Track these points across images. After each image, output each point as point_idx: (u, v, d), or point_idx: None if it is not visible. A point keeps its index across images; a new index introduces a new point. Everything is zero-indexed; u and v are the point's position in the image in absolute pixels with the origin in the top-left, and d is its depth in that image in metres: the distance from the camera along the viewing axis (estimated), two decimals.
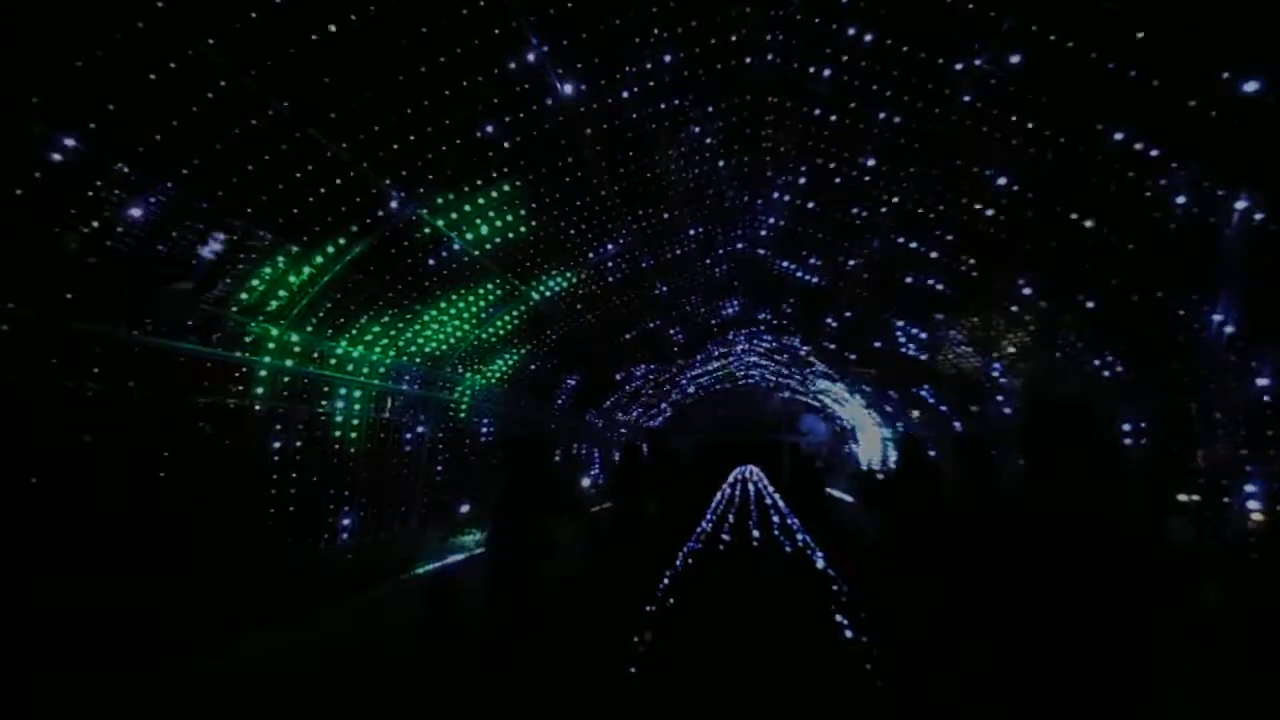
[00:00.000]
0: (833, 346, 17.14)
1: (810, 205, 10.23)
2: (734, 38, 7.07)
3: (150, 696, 4.07)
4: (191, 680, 4.37)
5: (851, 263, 11.45)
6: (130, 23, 4.44)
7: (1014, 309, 9.80)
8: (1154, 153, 5.85)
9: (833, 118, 7.97)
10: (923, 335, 12.75)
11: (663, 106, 7.77)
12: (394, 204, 7.28)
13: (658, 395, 25.11)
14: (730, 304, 16.42)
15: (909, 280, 10.80)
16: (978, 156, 7.26)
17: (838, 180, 9.20)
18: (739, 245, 12.37)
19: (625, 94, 7.33)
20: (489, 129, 7.08)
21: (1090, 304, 8.16)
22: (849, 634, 7.70)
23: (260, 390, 7.33)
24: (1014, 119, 6.53)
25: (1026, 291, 9.16)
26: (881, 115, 7.50)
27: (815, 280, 13.00)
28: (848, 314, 14.15)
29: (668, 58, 6.99)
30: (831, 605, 8.94)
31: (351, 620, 6.18)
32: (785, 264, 12.86)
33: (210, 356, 6.69)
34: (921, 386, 15.41)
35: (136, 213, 5.41)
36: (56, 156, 4.74)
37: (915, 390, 15.92)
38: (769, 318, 17.58)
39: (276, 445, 7.67)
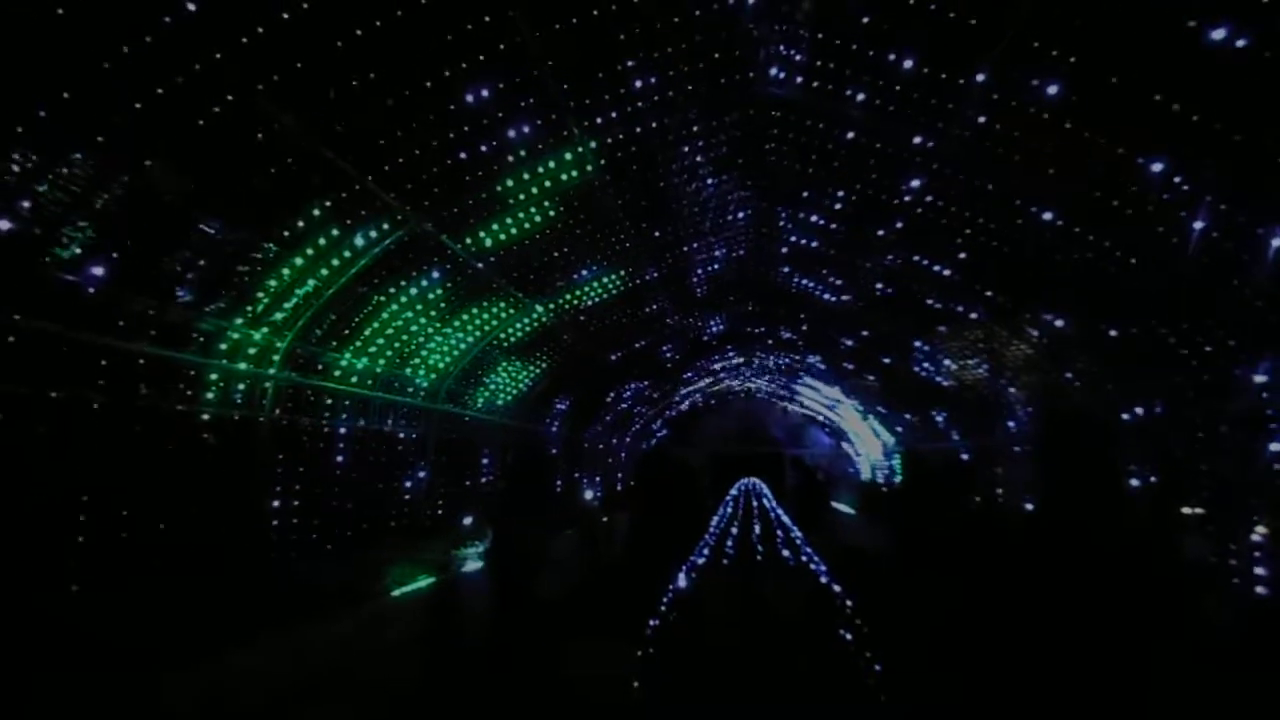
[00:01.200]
0: (850, 366, 17.13)
1: (821, 221, 10.19)
2: (738, 53, 7.09)
3: (158, 696, 4.06)
4: (199, 681, 4.36)
5: (872, 284, 11.43)
6: (138, 37, 4.47)
7: (1035, 334, 9.74)
8: (1175, 177, 5.85)
9: (829, 130, 7.97)
10: (943, 360, 12.71)
11: (667, 121, 7.79)
12: (399, 217, 7.31)
13: (660, 409, 25.07)
14: (736, 319, 16.39)
15: (931, 303, 10.79)
16: (1012, 183, 7.21)
17: (852, 197, 9.16)
18: (741, 257, 12.37)
19: (630, 108, 7.34)
20: (493, 143, 7.11)
21: (1114, 332, 8.14)
22: (854, 651, 7.63)
23: (265, 403, 7.34)
24: (1050, 149, 6.48)
25: (1049, 317, 9.12)
26: (913, 139, 7.43)
27: (826, 297, 12.95)
28: (864, 333, 14.12)
29: (672, 72, 7.01)
30: (836, 620, 8.86)
31: (355, 630, 6.14)
32: (799, 280, 12.84)
33: (214, 368, 6.69)
34: (936, 410, 15.36)
35: (145, 225, 5.43)
36: (65, 170, 4.77)
37: (930, 414, 15.89)
38: (777, 334, 17.55)
39: (280, 457, 7.66)
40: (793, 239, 11.11)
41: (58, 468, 5.27)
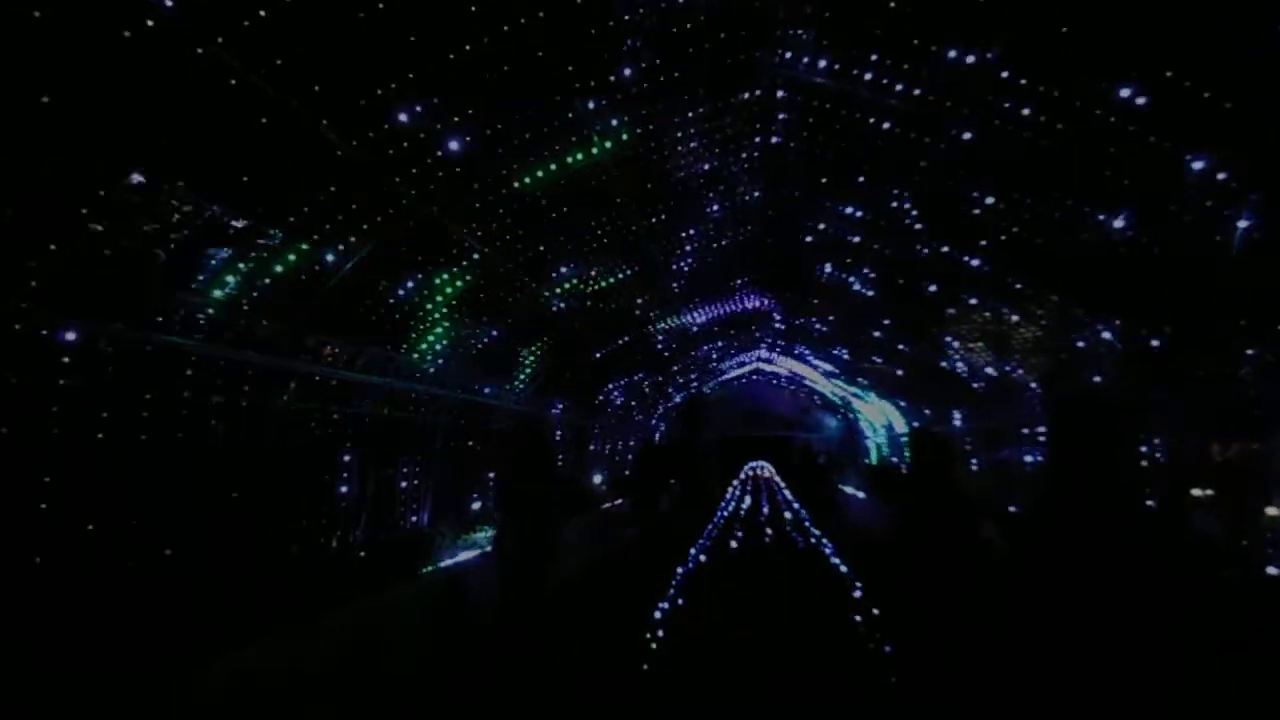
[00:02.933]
0: (861, 352, 17.07)
1: (847, 210, 10.03)
2: (742, 32, 6.99)
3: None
4: (242, 661, 4.59)
5: (896, 273, 11.31)
6: (139, 23, 4.42)
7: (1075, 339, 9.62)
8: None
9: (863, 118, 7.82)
10: (960, 347, 12.62)
11: (675, 103, 7.69)
12: (403, 201, 7.27)
13: (668, 394, 25.07)
14: (748, 303, 16.31)
15: (956, 293, 10.68)
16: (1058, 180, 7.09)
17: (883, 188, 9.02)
18: (757, 241, 12.25)
19: (635, 89, 7.24)
20: (498, 126, 7.05)
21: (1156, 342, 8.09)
22: (863, 631, 7.68)
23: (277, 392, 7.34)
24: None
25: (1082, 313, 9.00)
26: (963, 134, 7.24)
27: (850, 281, 12.81)
28: (884, 320, 14.01)
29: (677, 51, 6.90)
30: (844, 603, 8.91)
31: (364, 618, 6.18)
32: (819, 268, 12.71)
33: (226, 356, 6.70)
34: (950, 396, 15.28)
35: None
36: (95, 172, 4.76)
37: (943, 399, 15.82)
38: (789, 318, 17.47)
39: (296, 446, 7.67)
40: (814, 225, 10.95)
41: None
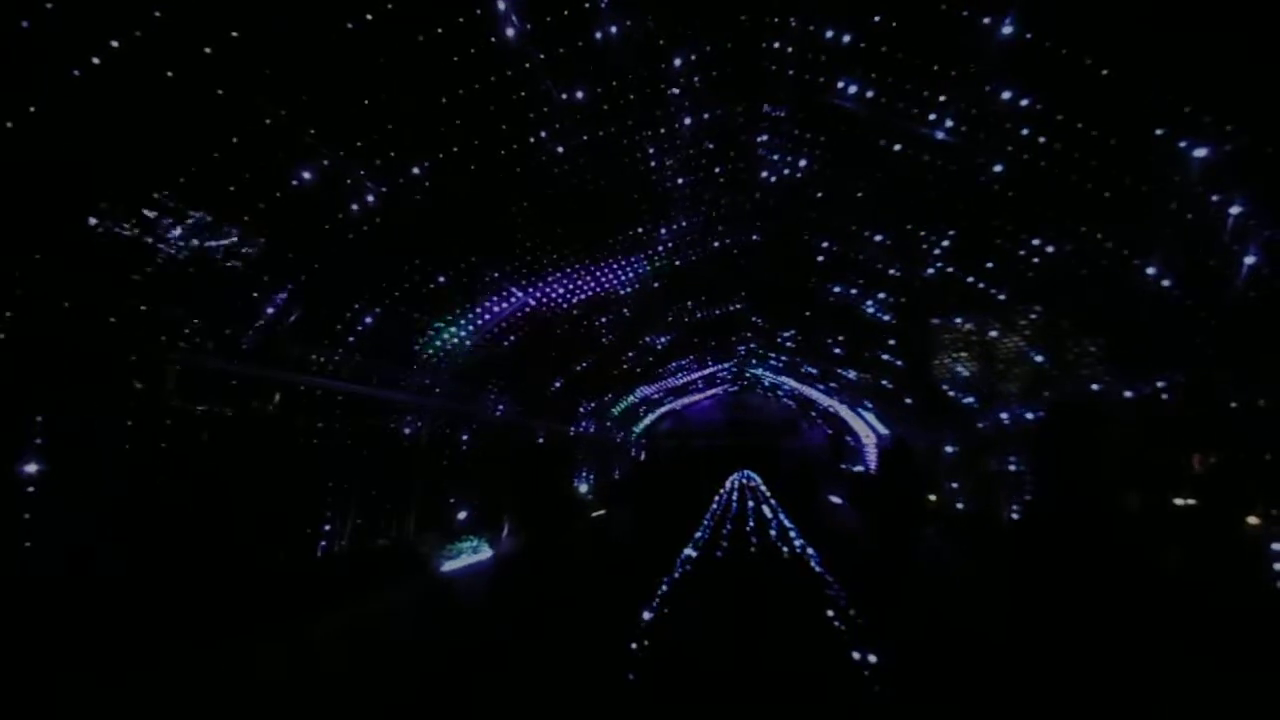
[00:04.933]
0: (856, 368, 16.99)
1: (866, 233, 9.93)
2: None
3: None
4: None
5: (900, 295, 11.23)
6: None
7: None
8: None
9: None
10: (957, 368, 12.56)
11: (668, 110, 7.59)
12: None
13: (657, 404, 25.04)
14: (739, 319, 16.18)
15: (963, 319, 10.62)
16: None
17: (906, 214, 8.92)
18: (756, 257, 12.14)
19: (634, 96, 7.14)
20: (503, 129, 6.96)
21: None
22: (840, 627, 7.76)
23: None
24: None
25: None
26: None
27: (852, 299, 12.69)
28: (889, 339, 13.93)
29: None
30: (822, 603, 9.01)
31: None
32: (821, 285, 12.57)
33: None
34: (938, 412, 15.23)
35: None
36: None
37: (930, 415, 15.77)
38: (780, 332, 17.38)
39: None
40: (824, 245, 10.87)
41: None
